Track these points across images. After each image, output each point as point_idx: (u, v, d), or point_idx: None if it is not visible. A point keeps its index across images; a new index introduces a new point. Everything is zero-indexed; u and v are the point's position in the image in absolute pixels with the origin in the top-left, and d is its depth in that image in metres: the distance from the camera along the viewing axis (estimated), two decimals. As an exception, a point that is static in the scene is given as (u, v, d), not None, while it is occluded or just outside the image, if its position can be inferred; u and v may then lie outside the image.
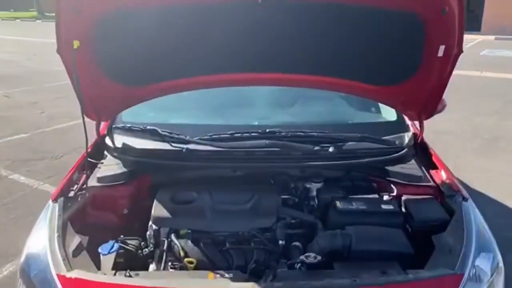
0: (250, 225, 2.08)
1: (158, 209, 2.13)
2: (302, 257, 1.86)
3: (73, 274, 1.72)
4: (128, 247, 2.09)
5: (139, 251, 2.08)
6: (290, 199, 2.33)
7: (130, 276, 1.75)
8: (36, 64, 13.28)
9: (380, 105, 2.98)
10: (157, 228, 2.10)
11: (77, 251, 1.90)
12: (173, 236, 2.04)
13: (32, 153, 5.86)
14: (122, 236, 2.13)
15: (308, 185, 2.43)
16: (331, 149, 2.37)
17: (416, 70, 2.23)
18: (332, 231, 2.03)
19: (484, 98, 8.83)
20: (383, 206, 2.16)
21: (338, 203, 2.17)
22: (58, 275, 1.72)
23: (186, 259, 1.90)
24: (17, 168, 5.40)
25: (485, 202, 4.24)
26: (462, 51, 2.05)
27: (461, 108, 7.50)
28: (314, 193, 2.39)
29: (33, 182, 4.99)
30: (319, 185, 2.40)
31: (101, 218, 2.32)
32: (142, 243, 2.14)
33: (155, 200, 2.18)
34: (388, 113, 2.88)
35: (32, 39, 19.12)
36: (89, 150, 2.59)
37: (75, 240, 1.96)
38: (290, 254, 2.02)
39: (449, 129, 6.61)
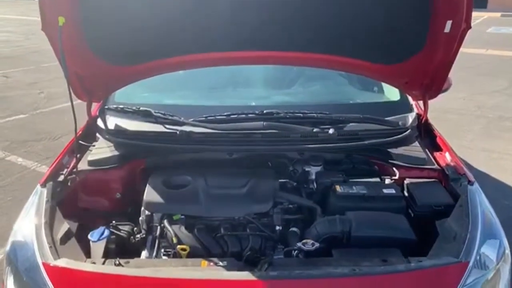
0: (246, 210, 2.00)
1: (150, 194, 2.05)
2: (299, 244, 1.79)
3: (60, 262, 1.65)
4: (119, 233, 2.02)
5: (131, 237, 2.01)
6: (288, 183, 2.24)
7: (120, 264, 1.68)
8: (35, 44, 13.07)
9: (383, 84, 2.86)
10: (149, 213, 2.03)
11: (65, 238, 1.82)
12: (166, 222, 1.97)
13: (30, 134, 5.79)
14: (114, 222, 2.06)
15: (307, 169, 2.34)
16: (331, 131, 2.27)
17: (421, 47, 2.12)
18: (331, 216, 1.94)
19: (489, 77, 8.66)
20: (385, 190, 2.07)
21: (338, 188, 2.08)
22: (44, 264, 1.65)
23: (179, 246, 1.83)
24: (15, 149, 5.33)
25: (489, 183, 4.15)
26: (470, 27, 1.93)
27: (465, 87, 7.35)
28: (313, 177, 2.30)
29: (31, 164, 4.93)
30: (318, 168, 2.31)
31: (92, 203, 2.25)
32: (135, 228, 2.07)
33: (147, 185, 2.10)
34: (391, 93, 2.77)
35: (31, 18, 18.83)
36: (80, 132, 2.51)
37: (63, 226, 1.88)
38: (287, 240, 1.94)
39: (453, 108, 6.48)
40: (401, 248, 1.80)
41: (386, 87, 2.82)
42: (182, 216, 1.99)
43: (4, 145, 5.45)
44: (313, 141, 2.29)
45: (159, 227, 1.97)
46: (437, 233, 1.87)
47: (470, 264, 1.64)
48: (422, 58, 2.15)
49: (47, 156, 5.05)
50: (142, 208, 2.05)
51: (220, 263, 1.70)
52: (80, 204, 2.23)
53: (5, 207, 4.00)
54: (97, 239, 1.87)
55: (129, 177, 2.33)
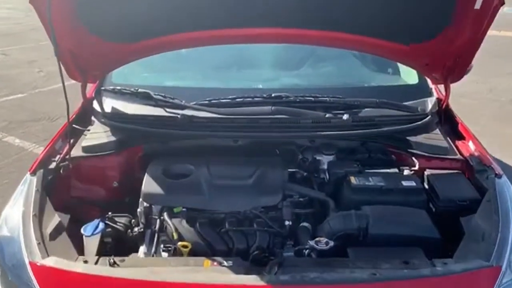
0: (253, 203, 1.83)
1: (149, 184, 1.89)
2: (311, 242, 1.63)
3: (48, 261, 1.49)
4: (116, 226, 1.87)
5: (129, 231, 1.86)
6: (298, 173, 2.07)
7: (114, 263, 1.53)
8: (34, 21, 12.77)
9: (399, 66, 2.66)
10: (148, 205, 1.87)
11: (55, 233, 1.67)
12: (165, 215, 1.81)
13: (28, 114, 5.62)
14: (110, 213, 1.90)
15: (318, 157, 2.17)
16: (345, 117, 2.09)
17: (446, 26, 1.92)
18: (346, 211, 1.78)
19: (502, 59, 8.39)
20: (404, 183, 1.89)
21: (352, 179, 1.91)
22: (30, 263, 1.49)
23: (180, 243, 1.67)
24: (12, 130, 5.18)
25: (504, 169, 3.97)
26: (503, 3, 1.73)
27: (478, 69, 7.07)
28: (325, 167, 2.13)
29: (29, 145, 4.80)
30: (330, 157, 2.14)
31: (87, 192, 2.10)
32: (133, 221, 1.92)
33: (145, 174, 1.94)
34: (408, 75, 2.57)
35: (32, -5, 18.51)
36: (73, 115, 2.34)
37: (54, 219, 1.73)
38: (297, 236, 1.78)
39: (466, 91, 6.25)
40: (423, 247, 1.64)
41: (403, 69, 2.62)
42: (184, 209, 1.83)
43: (2, 125, 5.30)
44: (326, 127, 2.11)
45: (158, 220, 1.82)
46: (461, 231, 1.71)
47: (503, 268, 1.47)
48: (447, 37, 1.96)
49: (45, 137, 4.88)
50: (141, 199, 1.89)
51: (225, 263, 1.54)
52: (74, 193, 2.08)
53: (1, 190, 3.87)
54: (91, 233, 1.72)
55: (126, 165, 2.16)
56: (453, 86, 2.27)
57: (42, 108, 5.84)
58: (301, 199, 1.89)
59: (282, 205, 1.85)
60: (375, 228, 1.69)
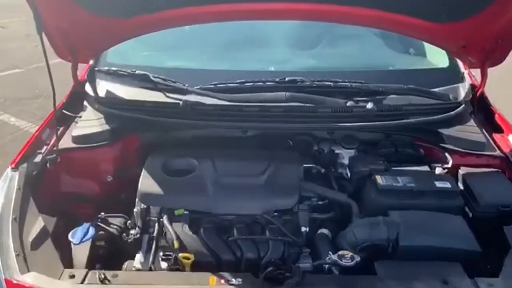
0: (265, 206, 1.60)
1: (146, 182, 1.66)
2: (334, 257, 1.40)
3: (27, 278, 1.28)
4: (109, 229, 1.65)
5: (124, 234, 1.64)
6: (314, 169, 1.84)
7: (105, 279, 1.31)
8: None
9: (426, 46, 2.38)
10: (145, 206, 1.65)
11: (39, 241, 1.45)
12: (165, 219, 1.58)
13: (25, 91, 5.39)
14: (102, 214, 1.68)
15: (337, 150, 1.93)
16: (369, 105, 1.84)
17: (489, 3, 1.64)
18: (372, 218, 1.55)
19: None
20: (437, 183, 1.65)
21: (379, 179, 1.67)
22: (6, 281, 1.28)
23: (181, 254, 1.45)
24: (8, 108, 4.98)
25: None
26: None
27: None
28: (345, 161, 1.89)
29: (24, 124, 4.61)
30: (352, 152, 1.89)
31: (78, 188, 1.87)
32: (128, 222, 1.70)
33: (143, 170, 1.71)
34: (437, 57, 2.30)
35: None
36: (64, 100, 2.11)
37: (37, 224, 1.51)
38: (315, 245, 1.56)
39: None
40: (461, 262, 1.41)
41: (431, 49, 2.34)
42: (186, 212, 1.61)
43: (-2, 102, 5.10)
44: (347, 117, 1.87)
45: (157, 225, 1.60)
46: (505, 243, 1.48)
47: None
48: (489, 16, 1.69)
49: (42, 116, 4.60)
50: (137, 199, 1.66)
51: (233, 281, 1.32)
52: (63, 189, 1.86)
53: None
54: (80, 240, 1.50)
55: (122, 157, 1.93)
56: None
57: (40, 84, 5.57)
58: (320, 202, 1.66)
59: (298, 209, 1.62)
60: (406, 238, 1.46)
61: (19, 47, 7.27)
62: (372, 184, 1.67)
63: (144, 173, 1.69)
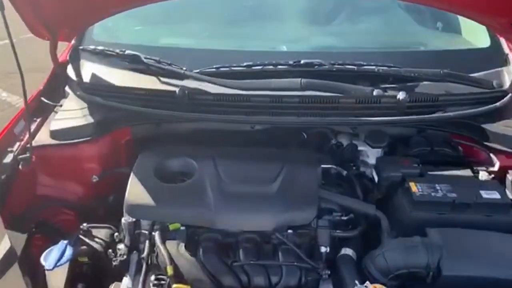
0: (277, 220, 1.33)
1: (135, 190, 1.39)
2: None
3: None
4: (92, 244, 1.40)
5: (110, 251, 1.39)
6: (332, 170, 1.56)
7: None
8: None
9: (462, 22, 2.05)
10: (133, 220, 1.38)
11: (3, 267, 1.20)
12: (157, 236, 1.32)
13: (15, 64, 5.07)
14: (85, 224, 1.43)
15: (360, 147, 1.65)
16: (401, 95, 1.54)
17: None
18: (407, 239, 1.28)
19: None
20: (484, 193, 1.37)
21: (414, 186, 1.39)
22: None
23: (175, 286, 1.19)
24: (-1, 82, 4.70)
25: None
26: None
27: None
28: (371, 161, 1.61)
29: (16, 100, 4.36)
30: (379, 151, 1.61)
31: (57, 191, 1.61)
32: (116, 234, 1.44)
33: (131, 174, 1.44)
34: (476, 36, 1.97)
35: None
36: (41, 86, 1.82)
37: (2, 245, 1.25)
38: (338, 268, 1.30)
39: None
40: None
41: (467, 27, 2.01)
42: (182, 227, 1.34)
43: (-14, 76, 4.80)
44: (374, 109, 1.57)
45: (147, 243, 1.34)
46: None
47: None
48: None
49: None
50: (125, 210, 1.40)
51: None
52: (40, 191, 1.60)
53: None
54: (54, 265, 1.24)
55: (110, 154, 1.66)
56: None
57: (34, 56, 5.26)
58: (344, 218, 1.38)
59: (317, 225, 1.35)
60: (451, 266, 1.20)
61: (8, 14, 6.89)
62: (406, 194, 1.39)
63: (132, 178, 1.42)
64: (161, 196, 1.37)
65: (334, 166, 1.56)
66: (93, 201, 1.63)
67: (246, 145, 1.63)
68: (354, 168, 1.66)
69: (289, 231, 1.34)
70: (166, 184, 1.41)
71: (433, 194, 1.37)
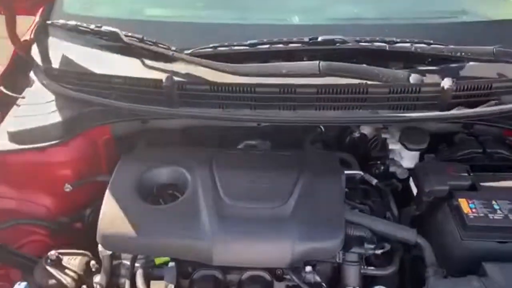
0: (294, 254, 1.03)
1: (110, 214, 1.10)
2: None
3: None
4: (63, 278, 1.13)
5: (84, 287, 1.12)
6: (357, 176, 1.26)
7: None
8: None
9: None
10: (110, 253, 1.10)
11: None
12: (139, 276, 1.04)
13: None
14: (53, 252, 1.16)
15: (393, 146, 1.34)
16: (446, 83, 1.20)
17: None
18: (460, 280, 0.99)
19: None
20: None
21: (465, 206, 1.09)
22: None
23: None
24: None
25: None
26: None
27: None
28: (405, 163, 1.31)
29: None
30: (417, 154, 1.30)
31: (22, 205, 1.32)
32: (92, 263, 1.17)
33: (107, 191, 1.14)
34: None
35: None
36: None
37: None
38: None
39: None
40: None
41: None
42: (171, 262, 1.06)
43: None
44: (411, 99, 1.24)
45: (128, 283, 1.06)
46: None
47: None
48: None
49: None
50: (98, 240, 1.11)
51: None
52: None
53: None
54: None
55: (85, 156, 1.36)
56: None
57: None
58: (378, 251, 1.09)
59: (343, 260, 1.06)
60: None
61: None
62: (455, 216, 1.09)
63: (107, 197, 1.12)
64: (143, 223, 1.08)
65: (361, 173, 1.26)
66: (68, 215, 1.35)
67: (249, 139, 1.37)
68: (382, 167, 1.36)
69: (307, 268, 1.05)
70: (150, 206, 1.12)
71: (491, 216, 1.07)
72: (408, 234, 1.10)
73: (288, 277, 1.05)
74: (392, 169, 1.36)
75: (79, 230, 1.36)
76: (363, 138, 1.45)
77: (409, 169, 1.32)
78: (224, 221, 1.06)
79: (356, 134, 1.45)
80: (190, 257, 1.07)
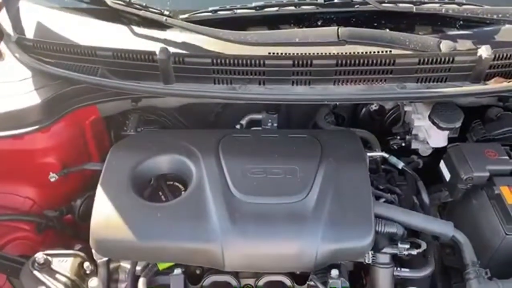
0: (317, 255, 0.90)
1: (103, 215, 0.95)
2: None
3: None
4: (52, 284, 1.00)
5: None
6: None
7: None
8: None
9: None
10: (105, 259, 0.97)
11: None
12: (141, 285, 0.91)
13: None
14: (40, 254, 1.03)
15: (418, 123, 1.20)
16: (483, 50, 1.04)
17: None
18: (505, 282, 0.88)
19: None
20: None
21: (507, 194, 0.97)
22: None
23: None
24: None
25: None
26: None
27: None
28: (433, 143, 1.17)
29: None
30: (446, 133, 1.16)
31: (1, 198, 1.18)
32: (86, 264, 1.04)
33: (98, 187, 0.99)
34: None
35: None
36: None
37: None
38: None
39: None
40: None
41: None
42: (178, 270, 0.93)
43: None
44: (444, 70, 1.08)
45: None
46: None
47: None
48: None
49: None
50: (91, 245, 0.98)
51: None
52: None
53: None
54: None
55: (71, 140, 1.20)
56: None
57: None
58: (413, 251, 0.95)
59: (373, 261, 0.93)
60: None
61: None
62: (497, 206, 0.96)
63: (99, 193, 0.97)
64: (143, 224, 0.93)
65: (385, 155, 1.12)
66: (56, 207, 1.21)
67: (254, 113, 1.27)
68: (402, 142, 1.24)
69: (333, 271, 0.92)
70: (149, 203, 0.97)
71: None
72: (445, 228, 0.97)
73: (312, 283, 0.92)
74: (414, 145, 1.24)
75: (69, 224, 1.22)
76: (381, 111, 1.32)
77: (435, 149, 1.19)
78: (236, 220, 0.92)
79: (373, 107, 1.31)
80: (198, 262, 0.94)
